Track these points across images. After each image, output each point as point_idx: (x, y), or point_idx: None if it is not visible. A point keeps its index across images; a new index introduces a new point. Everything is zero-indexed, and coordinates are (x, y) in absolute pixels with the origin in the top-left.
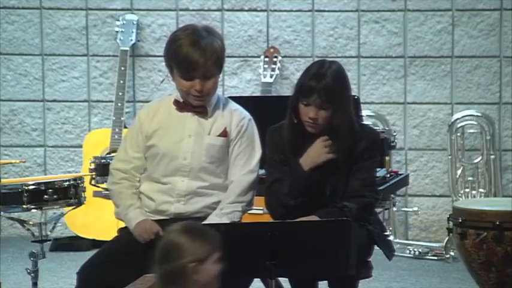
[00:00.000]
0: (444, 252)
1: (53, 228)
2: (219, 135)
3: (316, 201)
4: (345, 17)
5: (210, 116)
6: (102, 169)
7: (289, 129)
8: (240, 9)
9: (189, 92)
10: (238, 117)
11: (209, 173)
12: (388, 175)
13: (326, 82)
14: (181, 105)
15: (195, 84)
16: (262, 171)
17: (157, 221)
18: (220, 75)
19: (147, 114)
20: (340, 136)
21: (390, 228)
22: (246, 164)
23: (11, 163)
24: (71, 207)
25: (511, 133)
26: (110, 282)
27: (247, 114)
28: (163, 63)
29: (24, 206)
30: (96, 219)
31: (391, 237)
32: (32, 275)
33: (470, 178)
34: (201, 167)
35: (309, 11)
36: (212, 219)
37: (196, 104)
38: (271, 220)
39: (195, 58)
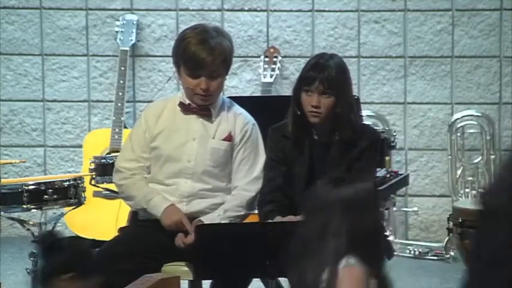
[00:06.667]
0: (444, 252)
1: (53, 228)
2: (224, 139)
3: None
4: (345, 17)
5: (215, 119)
6: (102, 169)
7: (292, 123)
8: (240, 9)
9: (194, 90)
10: (242, 121)
11: (212, 176)
12: (388, 175)
13: (328, 70)
14: (186, 107)
15: (201, 82)
16: None
17: None
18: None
19: (152, 114)
20: (342, 126)
21: (390, 228)
22: (250, 169)
23: (11, 163)
24: (71, 207)
25: (511, 133)
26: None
27: (251, 119)
28: (163, 63)
29: (24, 206)
30: (96, 219)
31: (391, 237)
32: (32, 275)
33: (470, 178)
34: (205, 170)
35: (309, 11)
36: (213, 218)
37: (201, 103)
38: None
39: (202, 56)
